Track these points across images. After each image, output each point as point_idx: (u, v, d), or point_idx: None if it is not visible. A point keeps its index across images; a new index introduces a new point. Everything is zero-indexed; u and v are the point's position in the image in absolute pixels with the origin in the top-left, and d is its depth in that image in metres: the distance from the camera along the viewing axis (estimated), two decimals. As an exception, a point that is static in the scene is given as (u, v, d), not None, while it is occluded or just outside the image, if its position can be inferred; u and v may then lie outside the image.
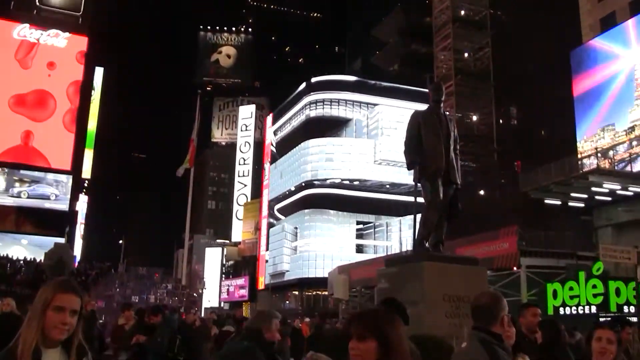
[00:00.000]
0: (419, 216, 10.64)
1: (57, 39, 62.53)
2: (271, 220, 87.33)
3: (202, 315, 41.70)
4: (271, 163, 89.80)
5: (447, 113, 11.14)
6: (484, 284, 10.24)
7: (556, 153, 41.35)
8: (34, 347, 3.43)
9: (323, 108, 79.52)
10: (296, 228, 79.33)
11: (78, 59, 62.95)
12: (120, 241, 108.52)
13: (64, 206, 60.50)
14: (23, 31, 61.41)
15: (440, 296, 9.04)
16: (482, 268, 11.16)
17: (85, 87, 65.07)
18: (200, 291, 68.94)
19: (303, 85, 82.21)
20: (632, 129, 38.38)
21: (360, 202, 75.43)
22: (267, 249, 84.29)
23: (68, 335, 3.54)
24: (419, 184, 10.48)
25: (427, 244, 10.20)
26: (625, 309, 28.23)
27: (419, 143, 10.41)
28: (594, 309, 28.28)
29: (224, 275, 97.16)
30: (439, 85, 11.34)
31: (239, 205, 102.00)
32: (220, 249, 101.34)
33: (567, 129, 43.46)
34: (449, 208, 10.44)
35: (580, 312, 28.58)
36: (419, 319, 7.72)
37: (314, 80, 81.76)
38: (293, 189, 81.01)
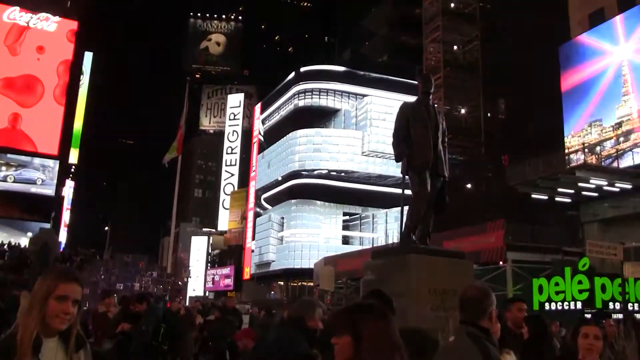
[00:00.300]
0: (406, 208, 10.60)
1: (46, 23, 62.16)
2: (258, 209, 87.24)
3: (187, 304, 41.72)
4: (259, 152, 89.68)
5: (436, 105, 11.07)
6: (471, 277, 10.21)
7: (544, 148, 41.45)
8: (34, 335, 3.40)
9: (312, 98, 79.36)
10: (283, 218, 79.34)
11: (68, 38, 62.60)
12: (106, 228, 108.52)
13: (50, 191, 60.23)
14: (13, 14, 61.02)
15: (426, 289, 9.01)
16: (469, 262, 11.13)
17: (75, 69, 64.82)
18: (185, 280, 68.95)
19: (292, 74, 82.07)
20: (619, 125, 38.51)
21: (347, 193, 75.36)
22: (253, 239, 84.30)
23: (68, 325, 3.52)
24: (406, 176, 10.44)
25: (413, 237, 10.18)
26: (611, 305, 28.33)
27: (407, 135, 10.36)
28: (579, 305, 28.37)
29: (209, 265, 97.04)
30: (428, 77, 11.26)
31: (226, 194, 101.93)
32: (206, 237, 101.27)
33: (555, 123, 43.54)
34: (436, 201, 10.42)
35: (566, 307, 28.66)
36: (404, 312, 7.70)
37: (303, 69, 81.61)
38: (280, 178, 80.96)
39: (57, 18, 62.60)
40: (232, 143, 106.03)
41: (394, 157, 10.72)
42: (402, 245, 10.44)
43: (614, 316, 23.81)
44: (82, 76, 73.27)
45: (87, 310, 13.96)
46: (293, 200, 77.47)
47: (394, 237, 54.92)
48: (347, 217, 77.54)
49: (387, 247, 29.36)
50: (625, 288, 28.10)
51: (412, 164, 10.20)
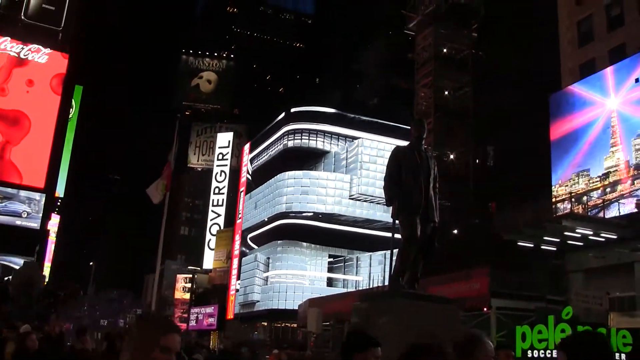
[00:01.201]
0: (395, 252, 10.61)
1: (37, 55, 62.17)
2: (244, 249, 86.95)
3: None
4: (247, 192, 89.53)
5: (427, 150, 11.12)
6: (458, 323, 10.22)
7: (531, 196, 41.61)
8: None
9: (301, 139, 79.34)
10: (268, 258, 79.12)
11: (55, 86, 62.43)
12: (91, 263, 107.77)
13: (35, 224, 59.89)
14: (4, 44, 61.04)
15: (413, 334, 8.98)
16: (456, 308, 11.15)
17: (64, 103, 64.75)
18: (169, 318, 68.53)
19: (282, 114, 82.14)
20: (607, 175, 38.66)
21: (333, 235, 75.15)
22: (238, 279, 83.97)
23: None
24: (397, 220, 10.44)
25: (402, 281, 10.19)
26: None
27: (398, 179, 10.41)
28: (562, 354, 28.28)
29: (193, 303, 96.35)
30: (421, 122, 11.31)
31: (212, 234, 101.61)
32: (190, 275, 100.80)
33: (543, 172, 43.71)
34: (426, 246, 10.44)
35: (549, 356, 28.58)
36: (390, 357, 7.65)
37: (293, 110, 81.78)
38: (267, 219, 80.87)
39: (48, 50, 62.62)
40: (219, 183, 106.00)
41: (382, 201, 10.76)
42: (391, 289, 10.44)
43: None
44: (71, 109, 73.29)
45: (71, 347, 13.83)
46: (279, 241, 77.23)
47: (378, 281, 54.87)
48: (332, 259, 77.37)
49: (375, 291, 29.39)
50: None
51: (402, 208, 10.22)
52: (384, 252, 55.66)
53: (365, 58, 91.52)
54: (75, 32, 67.69)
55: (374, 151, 72.20)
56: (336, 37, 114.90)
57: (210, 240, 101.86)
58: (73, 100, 74.51)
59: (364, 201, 74.10)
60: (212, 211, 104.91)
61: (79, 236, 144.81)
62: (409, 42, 71.91)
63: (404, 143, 11.21)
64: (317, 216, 75.77)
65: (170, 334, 3.43)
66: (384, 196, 10.78)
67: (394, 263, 10.50)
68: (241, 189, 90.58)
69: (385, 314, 9.43)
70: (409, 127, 11.23)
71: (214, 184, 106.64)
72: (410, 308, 9.45)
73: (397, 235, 10.49)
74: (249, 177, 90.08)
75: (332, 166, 79.49)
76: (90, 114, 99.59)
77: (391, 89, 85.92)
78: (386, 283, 12.77)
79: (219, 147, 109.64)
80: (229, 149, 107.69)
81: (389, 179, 10.51)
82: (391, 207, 10.42)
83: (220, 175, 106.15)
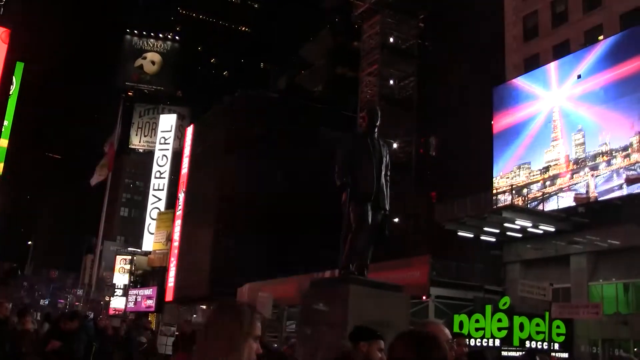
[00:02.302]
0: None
1: (-24, 28, 60.99)
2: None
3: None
4: (188, 175, 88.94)
5: (381, 139, 11.16)
6: (407, 311, 10.35)
7: (473, 187, 42.09)
8: None
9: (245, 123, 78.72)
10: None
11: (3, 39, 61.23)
12: (29, 242, 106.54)
13: (-29, 202, 59.06)
14: (-61, 16, 59.76)
15: (365, 321, 9.07)
16: (406, 296, 11.27)
17: (5, 82, 63.66)
18: (108, 299, 67.78)
19: (227, 98, 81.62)
20: (547, 169, 39.27)
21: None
22: (177, 261, 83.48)
23: None
24: (346, 207, 10.50)
25: (352, 268, 10.26)
26: (527, 343, 28.91)
27: (350, 166, 10.46)
28: (497, 342, 28.89)
29: (131, 285, 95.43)
30: (375, 110, 11.29)
31: (152, 219, 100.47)
32: (129, 257, 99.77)
33: (485, 164, 44.17)
34: (376, 233, 10.51)
35: (485, 344, 29.09)
36: (340, 342, 7.77)
37: (237, 94, 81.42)
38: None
39: (-13, 23, 61.45)
40: (160, 167, 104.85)
41: (336, 187, 10.78)
42: (342, 276, 10.50)
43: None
44: (11, 86, 72.11)
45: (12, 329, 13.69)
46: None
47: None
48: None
49: (326, 277, 29.50)
50: (543, 327, 28.91)
51: (354, 195, 10.28)
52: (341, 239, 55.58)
53: (311, 45, 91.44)
54: (16, 7, 66.56)
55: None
56: (282, 22, 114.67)
57: (150, 224, 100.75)
58: (14, 77, 73.25)
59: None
60: (153, 195, 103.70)
61: (17, 215, 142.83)
62: (355, 30, 72.00)
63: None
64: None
65: (258, 322, 3.43)
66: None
67: (344, 250, 10.56)
68: (183, 170, 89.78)
69: (336, 300, 9.50)
70: (354, 115, 11.33)
71: (155, 167, 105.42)
72: (361, 295, 9.53)
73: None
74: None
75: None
76: (31, 92, 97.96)
77: (336, 77, 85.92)
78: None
79: (161, 131, 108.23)
80: (172, 133, 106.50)
81: (341, 165, 10.56)
82: (342, 194, 10.47)
83: (162, 160, 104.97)
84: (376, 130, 10.88)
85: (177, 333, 28.04)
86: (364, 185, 10.31)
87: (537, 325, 29.67)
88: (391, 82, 62.84)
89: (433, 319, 6.72)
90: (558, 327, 30.20)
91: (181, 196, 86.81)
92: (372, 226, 10.35)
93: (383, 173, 10.63)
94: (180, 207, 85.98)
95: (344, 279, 10.15)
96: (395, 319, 7.69)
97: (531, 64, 44.73)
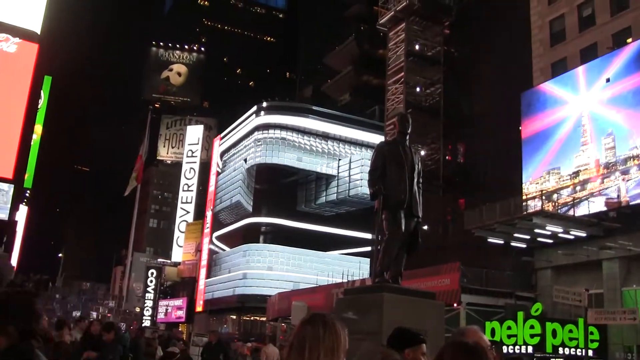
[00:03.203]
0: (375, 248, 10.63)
1: (6, 44, 61.28)
2: (212, 247, 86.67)
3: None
4: (216, 186, 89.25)
5: (412, 146, 11.10)
6: (442, 318, 10.28)
7: (501, 193, 41.82)
8: None
9: (274, 132, 78.81)
10: (238, 252, 78.98)
11: (24, 76, 61.43)
12: (60, 254, 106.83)
13: (3, 215, 59.10)
14: (-29, 34, 60.13)
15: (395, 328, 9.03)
16: (440, 302, 11.21)
17: (34, 92, 63.95)
18: (137, 310, 68.07)
19: (253, 108, 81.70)
20: (577, 174, 38.95)
21: (303, 234, 75.76)
22: (207, 272, 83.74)
23: None
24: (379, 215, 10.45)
25: (386, 276, 10.20)
26: (560, 350, 28.67)
27: (383, 174, 10.40)
28: (530, 349, 28.67)
29: (161, 296, 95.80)
30: (406, 117, 11.24)
31: (181, 232, 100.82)
32: (159, 268, 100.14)
33: (513, 169, 43.90)
34: (409, 241, 10.46)
35: (517, 351, 28.88)
36: (377, 350, 7.71)
37: (264, 104, 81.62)
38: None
39: (17, 39, 61.72)
40: (188, 180, 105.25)
41: (369, 195, 10.74)
42: (376, 283, 10.45)
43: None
44: (40, 100, 72.57)
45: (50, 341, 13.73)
46: (248, 239, 78.04)
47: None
48: (299, 255, 76.99)
49: (360, 286, 29.51)
50: (576, 333, 28.62)
51: (386, 203, 10.23)
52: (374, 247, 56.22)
53: (336, 53, 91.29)
54: (45, 22, 66.92)
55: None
56: (307, 31, 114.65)
57: (178, 237, 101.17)
58: (42, 90, 73.73)
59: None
60: (181, 208, 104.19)
61: (47, 228, 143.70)
62: (381, 38, 71.85)
63: (376, 137, 11.28)
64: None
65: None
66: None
67: (378, 258, 10.51)
68: (211, 187, 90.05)
69: (371, 308, 9.46)
70: (381, 123, 11.30)
71: (183, 180, 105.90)
72: (395, 302, 9.49)
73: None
74: (219, 171, 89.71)
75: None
76: (60, 105, 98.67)
77: (362, 85, 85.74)
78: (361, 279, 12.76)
79: (189, 144, 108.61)
80: (199, 146, 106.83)
81: (374, 173, 10.51)
82: (375, 202, 10.42)
83: (190, 173, 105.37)
84: (407, 137, 10.82)
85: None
86: (396, 192, 10.27)
87: (570, 331, 29.44)
88: (417, 89, 62.58)
89: (471, 326, 6.70)
90: (592, 333, 29.95)
91: (209, 214, 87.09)
92: (405, 234, 10.31)
93: (415, 180, 10.59)
94: (208, 225, 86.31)
95: (379, 286, 10.11)
96: (429, 326, 7.61)
97: (558, 68, 44.44)
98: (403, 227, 10.22)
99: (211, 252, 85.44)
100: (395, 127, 11.11)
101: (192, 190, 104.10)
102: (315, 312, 3.60)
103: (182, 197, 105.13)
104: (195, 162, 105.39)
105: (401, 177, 10.33)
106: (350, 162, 76.15)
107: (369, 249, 68.48)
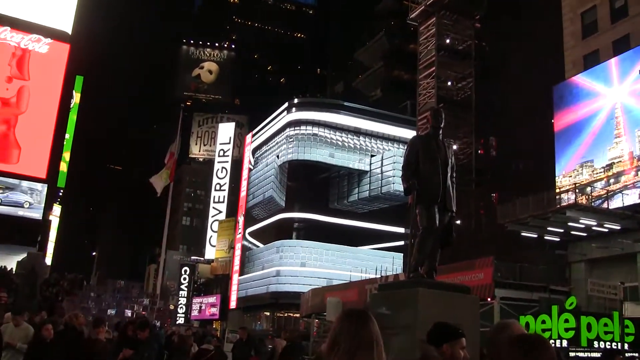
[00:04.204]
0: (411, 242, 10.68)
1: (38, 44, 61.60)
2: (245, 243, 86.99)
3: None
4: (248, 184, 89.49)
5: (446, 140, 11.12)
6: (476, 312, 10.28)
7: (534, 186, 41.64)
8: None
9: (306, 129, 78.85)
10: (271, 249, 79.22)
11: (56, 76, 61.81)
12: (94, 253, 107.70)
13: (37, 215, 59.61)
14: (4, 34, 60.40)
15: (434, 323, 9.05)
16: (475, 297, 11.20)
17: (65, 95, 64.43)
18: (172, 307, 68.46)
19: (285, 104, 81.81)
20: (610, 166, 38.71)
21: (335, 229, 75.93)
22: (240, 269, 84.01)
23: None
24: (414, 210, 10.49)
25: (421, 271, 10.23)
26: (595, 344, 28.52)
27: (416, 168, 10.43)
28: (565, 343, 28.53)
29: (194, 293, 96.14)
30: (439, 111, 11.21)
31: (213, 231, 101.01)
32: (193, 265, 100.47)
33: (546, 163, 43.73)
34: (444, 236, 10.48)
35: (553, 346, 28.76)
36: (412, 345, 7.77)
37: (296, 100, 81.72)
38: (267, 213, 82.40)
39: (48, 40, 62.06)
40: (220, 180, 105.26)
41: (402, 190, 10.78)
42: (411, 278, 10.48)
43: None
44: (72, 100, 73.10)
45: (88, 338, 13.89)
46: (278, 234, 78.40)
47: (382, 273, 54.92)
48: (332, 251, 76.97)
49: (395, 281, 29.52)
50: (611, 327, 28.44)
51: (420, 198, 10.26)
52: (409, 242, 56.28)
53: (367, 49, 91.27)
54: (76, 22, 67.39)
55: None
56: (338, 27, 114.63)
57: (211, 237, 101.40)
58: (74, 90, 74.28)
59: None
60: (214, 208, 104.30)
61: (80, 227, 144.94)
62: (411, 33, 71.78)
63: (408, 132, 11.33)
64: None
65: None
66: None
67: (412, 253, 10.55)
68: (243, 184, 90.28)
69: (407, 303, 9.48)
70: (413, 118, 11.32)
71: (214, 180, 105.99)
72: (431, 297, 9.51)
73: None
74: (252, 168, 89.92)
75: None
76: (91, 105, 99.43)
77: (393, 80, 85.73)
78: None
79: (220, 144, 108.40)
80: (230, 145, 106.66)
81: (407, 168, 10.52)
82: (409, 197, 10.45)
83: (222, 172, 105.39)
84: (440, 131, 10.84)
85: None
86: (430, 187, 10.29)
87: (605, 325, 29.24)
88: (449, 83, 62.47)
89: (509, 319, 6.73)
90: (627, 326, 29.77)
91: (240, 219, 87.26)
92: (439, 228, 10.33)
93: (449, 174, 10.61)
94: (240, 231, 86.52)
95: (413, 281, 10.12)
96: (464, 321, 7.63)
97: (591, 60, 44.16)
98: (437, 222, 10.25)
99: (244, 249, 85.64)
100: (428, 122, 11.16)
101: (224, 190, 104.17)
102: (352, 308, 3.65)
103: (214, 197, 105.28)
104: (227, 162, 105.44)
105: (435, 172, 10.34)
106: (382, 159, 76.10)
107: (402, 243, 68.56)
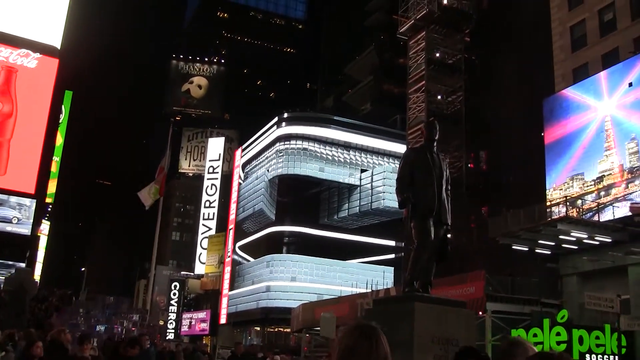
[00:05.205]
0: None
1: (27, 59, 61.39)
2: (235, 257, 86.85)
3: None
4: (238, 199, 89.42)
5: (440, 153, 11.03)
6: (472, 327, 10.22)
7: (525, 200, 41.68)
8: None
9: (296, 143, 78.87)
10: (260, 263, 79.09)
11: (44, 91, 61.52)
12: (82, 268, 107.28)
13: (25, 230, 59.25)
14: (-8, 49, 60.22)
15: (430, 338, 8.98)
16: (470, 311, 11.14)
17: (54, 110, 64.18)
18: (161, 323, 68.19)
19: (274, 119, 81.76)
20: (601, 179, 38.78)
21: (325, 243, 75.86)
22: (230, 284, 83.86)
23: None
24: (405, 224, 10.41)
25: (416, 285, 10.14)
26: (587, 357, 28.52)
27: (411, 181, 10.35)
28: (557, 357, 28.42)
29: (184, 308, 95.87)
30: (433, 124, 11.18)
31: (203, 248, 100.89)
32: (182, 281, 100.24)
33: (537, 176, 43.79)
34: (439, 249, 10.40)
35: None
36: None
37: (285, 115, 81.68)
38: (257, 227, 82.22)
39: (37, 55, 61.83)
40: (210, 197, 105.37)
41: (397, 204, 10.70)
42: (406, 293, 10.39)
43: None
44: (60, 115, 72.86)
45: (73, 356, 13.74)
46: (269, 249, 78.25)
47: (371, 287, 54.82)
48: (322, 265, 76.78)
49: (389, 296, 29.45)
50: (602, 339, 28.43)
51: (415, 211, 10.18)
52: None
53: (356, 63, 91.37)
54: (65, 37, 67.23)
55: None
56: (327, 42, 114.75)
57: (201, 254, 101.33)
58: (63, 105, 74.05)
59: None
60: (203, 225, 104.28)
61: (69, 242, 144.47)
62: (401, 47, 71.82)
63: (398, 147, 11.28)
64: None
65: None
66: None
67: (407, 267, 10.48)
68: (233, 200, 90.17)
69: (402, 318, 9.40)
70: (403, 132, 11.27)
71: (204, 197, 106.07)
72: (426, 312, 9.43)
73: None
74: (241, 182, 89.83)
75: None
76: (79, 120, 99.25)
77: (383, 94, 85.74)
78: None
79: (210, 160, 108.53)
80: (220, 162, 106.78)
81: (401, 181, 10.46)
82: (404, 210, 10.36)
83: (211, 189, 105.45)
84: (435, 143, 10.77)
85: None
86: (425, 200, 10.21)
87: (597, 338, 29.29)
88: (439, 97, 62.53)
89: (516, 337, 6.65)
90: (619, 339, 29.75)
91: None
92: (434, 242, 10.25)
93: (444, 187, 10.54)
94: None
95: (409, 296, 10.04)
96: (460, 335, 7.55)
97: (580, 74, 44.33)
98: (432, 236, 10.17)
99: (235, 263, 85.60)
100: (422, 134, 11.10)
101: (213, 207, 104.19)
102: (362, 322, 3.52)
103: (203, 214, 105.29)
104: (216, 179, 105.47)
105: (429, 185, 10.28)
106: (372, 174, 76.15)
107: (392, 256, 68.51)
